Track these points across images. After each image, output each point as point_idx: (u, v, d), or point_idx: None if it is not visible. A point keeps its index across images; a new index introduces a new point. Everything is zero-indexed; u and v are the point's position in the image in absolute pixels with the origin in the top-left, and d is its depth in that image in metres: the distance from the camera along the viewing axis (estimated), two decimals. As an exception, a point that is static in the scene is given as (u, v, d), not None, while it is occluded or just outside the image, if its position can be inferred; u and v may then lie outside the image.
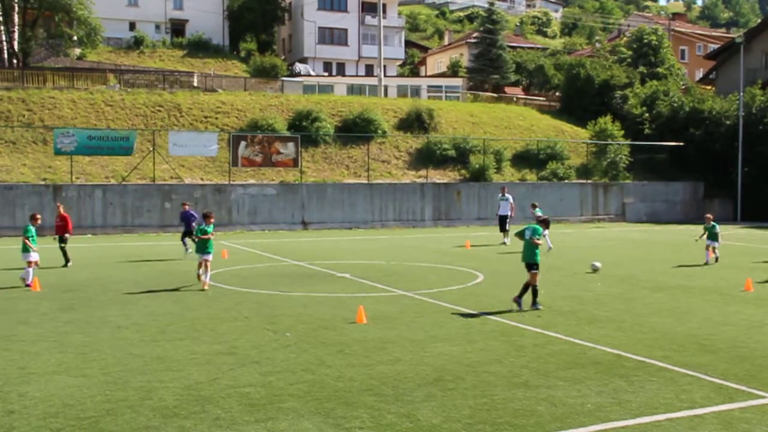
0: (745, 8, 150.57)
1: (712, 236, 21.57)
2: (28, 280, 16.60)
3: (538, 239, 13.85)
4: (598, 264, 19.60)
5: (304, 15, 71.02)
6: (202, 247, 16.54)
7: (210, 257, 16.54)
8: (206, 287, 16.13)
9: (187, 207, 23.76)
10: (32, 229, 17.37)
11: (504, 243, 27.46)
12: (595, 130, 46.16)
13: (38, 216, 18.30)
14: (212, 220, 17.05)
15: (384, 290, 16.31)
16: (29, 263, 16.82)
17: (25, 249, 16.96)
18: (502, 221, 28.28)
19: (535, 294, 13.79)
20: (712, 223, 21.76)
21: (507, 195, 28.87)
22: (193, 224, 21.42)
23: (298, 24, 72.62)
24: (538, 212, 25.15)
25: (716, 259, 21.53)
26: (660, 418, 7.60)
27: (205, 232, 16.53)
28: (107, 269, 20.03)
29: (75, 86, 42.74)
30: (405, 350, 10.52)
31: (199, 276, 16.63)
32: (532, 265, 13.72)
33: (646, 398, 8.28)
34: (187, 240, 22.79)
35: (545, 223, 14.89)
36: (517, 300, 13.76)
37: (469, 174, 41.44)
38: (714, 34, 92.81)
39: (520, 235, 14.26)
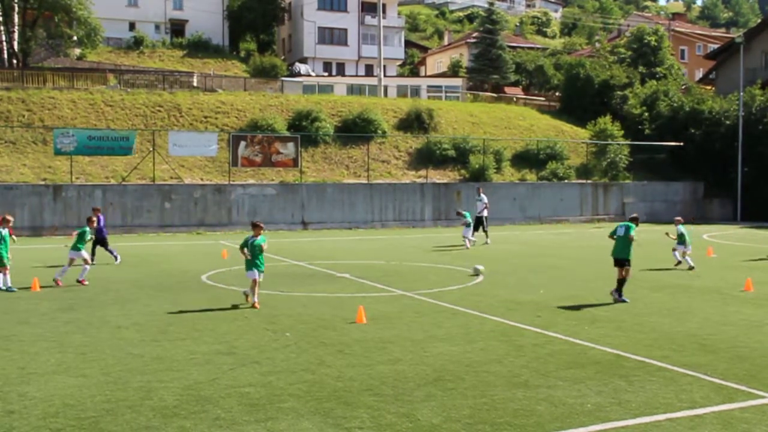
0: (745, 8, 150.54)
1: (680, 240, 20.50)
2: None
3: (633, 236, 14.76)
4: (480, 267, 19.15)
5: (303, 15, 71.01)
6: (257, 264, 14.13)
7: (262, 276, 14.36)
8: (258, 306, 13.96)
9: (98, 212, 21.43)
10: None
11: (486, 243, 27.75)
12: (595, 130, 46.16)
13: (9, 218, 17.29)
14: (262, 232, 14.67)
15: (384, 290, 16.31)
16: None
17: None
18: (479, 222, 28.34)
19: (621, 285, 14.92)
20: (680, 226, 20.84)
21: (482, 195, 29.01)
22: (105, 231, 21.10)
23: (297, 24, 72.61)
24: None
25: (690, 267, 19.91)
26: (660, 418, 7.61)
27: (260, 247, 14.27)
28: (107, 269, 20.03)
29: (75, 86, 42.72)
30: (405, 350, 10.53)
31: (247, 296, 14.31)
32: (624, 260, 14.82)
33: (646, 398, 8.28)
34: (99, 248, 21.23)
35: (636, 221, 15.52)
36: (615, 293, 14.85)
37: (468, 174, 41.43)
38: (714, 34, 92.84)
39: (613, 233, 15.20)
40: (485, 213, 28.53)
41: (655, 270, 20.05)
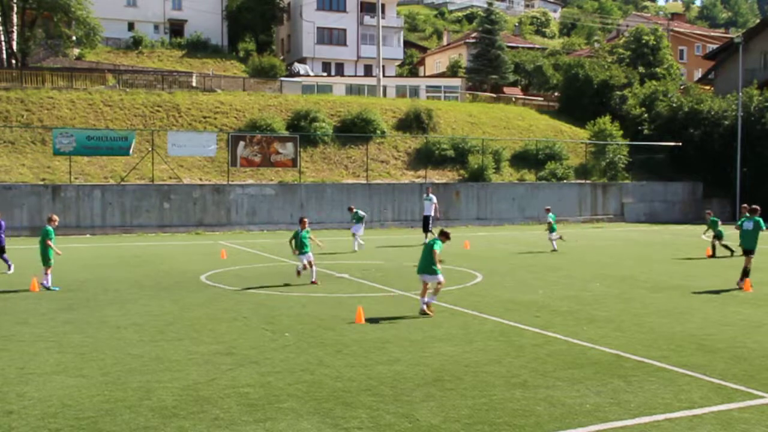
0: (744, 8, 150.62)
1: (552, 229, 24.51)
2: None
3: (764, 229, 16.67)
4: (300, 266, 18.59)
5: (302, 15, 71.02)
6: (305, 251, 17.30)
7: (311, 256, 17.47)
8: (317, 282, 17.10)
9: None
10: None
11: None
12: (594, 131, 46.18)
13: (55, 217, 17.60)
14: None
15: (383, 290, 16.31)
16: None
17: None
18: (426, 221, 28.28)
19: (746, 274, 16.54)
20: (550, 215, 24.50)
21: (431, 195, 28.97)
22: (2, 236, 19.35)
23: (296, 24, 72.61)
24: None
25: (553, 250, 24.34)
26: (659, 418, 7.61)
27: (306, 238, 17.47)
28: (106, 269, 20.02)
29: (74, 86, 42.72)
30: (404, 350, 10.52)
31: (298, 272, 17.51)
32: (751, 251, 16.58)
33: (645, 398, 8.29)
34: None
35: (756, 212, 16.91)
36: (740, 282, 16.45)
37: (467, 174, 41.44)
38: (713, 34, 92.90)
39: (740, 226, 17.10)
40: (433, 213, 28.34)
41: (654, 270, 20.06)
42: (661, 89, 50.44)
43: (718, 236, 23.80)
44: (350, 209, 27.34)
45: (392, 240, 30.56)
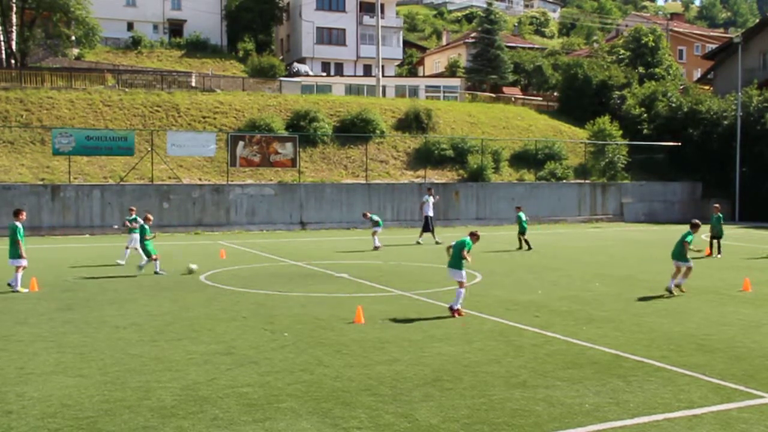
0: (743, 8, 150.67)
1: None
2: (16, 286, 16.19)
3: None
4: (193, 266, 19.15)
5: (302, 15, 71.00)
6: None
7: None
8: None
9: None
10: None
11: (418, 242, 28.07)
12: (593, 131, 46.18)
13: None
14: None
15: (382, 290, 16.31)
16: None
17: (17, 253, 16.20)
18: (429, 221, 28.49)
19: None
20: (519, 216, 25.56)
21: (428, 196, 29.16)
22: None
23: (296, 24, 72.60)
24: (521, 216, 25.79)
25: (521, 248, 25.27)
26: (658, 418, 7.61)
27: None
28: (105, 269, 20.02)
29: (73, 86, 42.71)
30: (403, 350, 10.52)
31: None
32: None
33: (644, 398, 8.29)
34: None
35: None
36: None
37: (467, 174, 41.45)
38: (712, 34, 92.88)
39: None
40: (431, 213, 28.64)
41: (654, 270, 20.06)
42: (661, 89, 50.46)
43: (717, 235, 23.77)
44: (365, 215, 28.16)
45: (392, 240, 30.55)
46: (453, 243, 13.45)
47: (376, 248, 25.50)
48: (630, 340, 11.20)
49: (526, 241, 25.69)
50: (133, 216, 21.02)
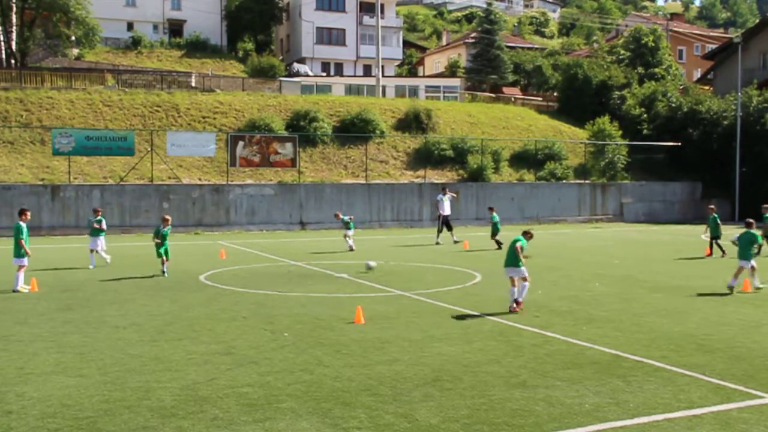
0: (743, 8, 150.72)
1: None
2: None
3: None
4: (372, 263, 19.22)
5: (302, 15, 71.01)
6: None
7: None
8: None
9: None
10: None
11: (438, 243, 27.93)
12: (593, 131, 46.17)
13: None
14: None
15: (382, 290, 16.30)
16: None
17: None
18: (445, 220, 28.52)
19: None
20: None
21: (442, 195, 29.10)
22: None
23: (296, 24, 72.60)
24: (494, 217, 26.14)
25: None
26: (658, 418, 7.61)
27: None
28: (105, 269, 20.02)
29: (73, 86, 42.71)
30: (403, 350, 10.52)
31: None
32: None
33: (644, 398, 8.29)
34: None
35: None
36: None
37: (467, 174, 41.44)
38: (712, 34, 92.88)
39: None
40: (447, 212, 28.67)
41: (653, 270, 20.06)
42: (661, 89, 50.46)
43: (716, 235, 23.75)
44: (336, 216, 27.28)
45: (392, 240, 30.56)
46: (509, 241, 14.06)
47: (351, 249, 24.96)
48: (630, 340, 11.20)
49: (497, 241, 25.54)
50: (99, 217, 20.86)
